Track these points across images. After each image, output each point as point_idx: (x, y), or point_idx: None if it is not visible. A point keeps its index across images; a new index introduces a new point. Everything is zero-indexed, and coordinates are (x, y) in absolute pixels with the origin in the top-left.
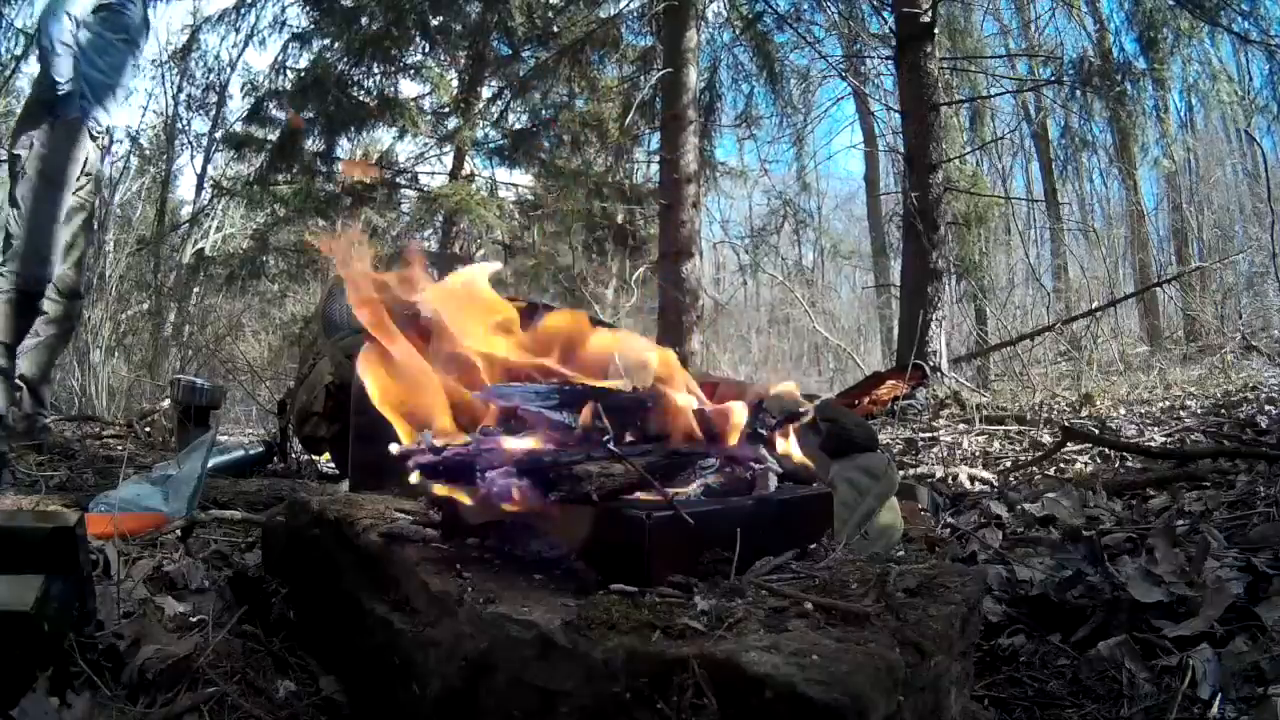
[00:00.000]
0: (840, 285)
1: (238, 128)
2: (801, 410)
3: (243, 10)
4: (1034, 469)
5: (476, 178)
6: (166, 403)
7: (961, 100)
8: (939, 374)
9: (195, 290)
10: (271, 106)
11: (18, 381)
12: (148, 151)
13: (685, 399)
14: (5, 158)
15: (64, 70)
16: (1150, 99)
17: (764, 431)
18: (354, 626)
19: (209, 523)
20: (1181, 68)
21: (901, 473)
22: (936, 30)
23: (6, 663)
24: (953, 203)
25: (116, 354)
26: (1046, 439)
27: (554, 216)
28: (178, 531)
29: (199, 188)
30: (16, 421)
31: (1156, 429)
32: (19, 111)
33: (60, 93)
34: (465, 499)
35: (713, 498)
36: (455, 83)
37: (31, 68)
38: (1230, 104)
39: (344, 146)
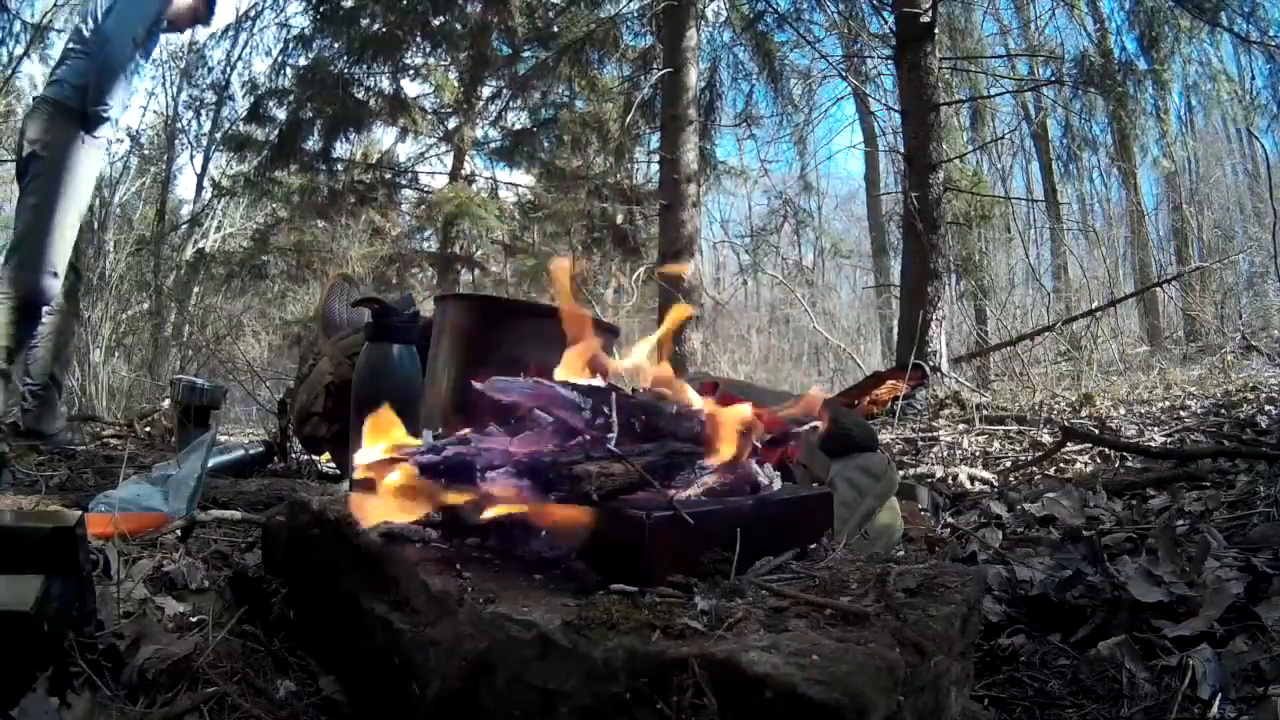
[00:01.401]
0: (840, 285)
1: (239, 127)
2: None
3: (244, 24)
4: (1034, 469)
5: (477, 178)
6: (166, 403)
7: (961, 100)
8: (939, 374)
9: (195, 290)
10: (271, 105)
11: (54, 374)
12: (148, 151)
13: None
14: (23, 154)
15: (118, 98)
16: (1150, 99)
17: (759, 445)
18: (354, 626)
19: (209, 523)
20: (1182, 67)
21: (901, 473)
22: (936, 30)
23: (6, 663)
24: (953, 202)
25: (116, 354)
26: (1046, 439)
27: (554, 217)
28: (178, 531)
29: (199, 188)
30: (35, 408)
31: (1156, 429)
32: (32, 102)
33: (105, 116)
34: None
35: (713, 498)
36: (456, 82)
37: (28, 58)
38: (1230, 103)
39: (344, 146)
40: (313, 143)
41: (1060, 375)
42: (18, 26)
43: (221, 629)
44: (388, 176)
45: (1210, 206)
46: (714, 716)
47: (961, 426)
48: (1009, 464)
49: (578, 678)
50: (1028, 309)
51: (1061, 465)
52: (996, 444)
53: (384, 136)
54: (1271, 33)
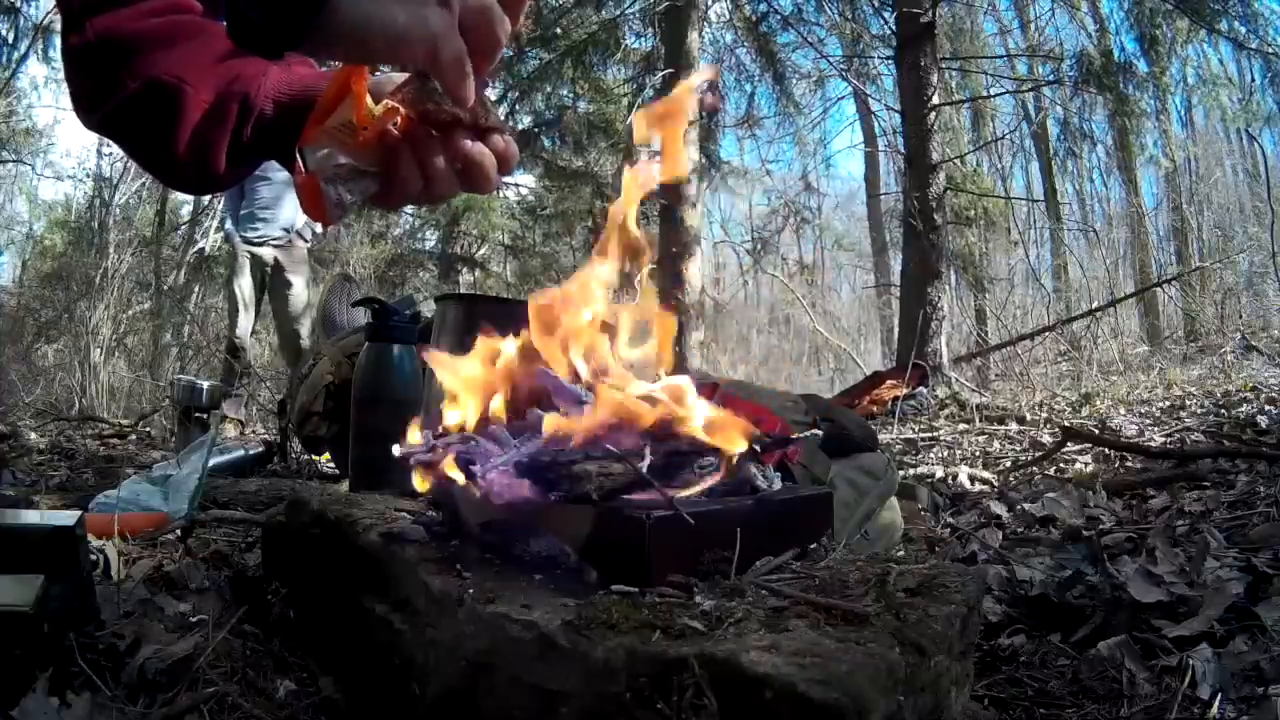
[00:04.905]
0: (840, 285)
1: None
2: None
3: None
4: (1034, 469)
5: None
6: (168, 402)
7: (961, 100)
8: (939, 374)
9: (195, 290)
10: None
11: None
12: None
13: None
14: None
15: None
16: (1150, 99)
17: (759, 450)
18: (354, 626)
19: (209, 523)
20: (1181, 68)
21: (901, 473)
22: (936, 30)
23: (6, 663)
24: (954, 201)
25: (117, 354)
26: (1046, 439)
27: (557, 216)
28: (178, 531)
29: None
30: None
31: (1156, 429)
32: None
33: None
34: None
35: (713, 498)
36: None
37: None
38: (1229, 104)
39: None
40: None
41: (1060, 375)
42: (23, 22)
43: (221, 629)
44: None
45: (1210, 206)
46: (714, 716)
47: (961, 426)
48: (1009, 464)
49: (578, 677)
50: (1028, 309)
51: (1061, 465)
52: (996, 444)
53: None
54: (1270, 37)
